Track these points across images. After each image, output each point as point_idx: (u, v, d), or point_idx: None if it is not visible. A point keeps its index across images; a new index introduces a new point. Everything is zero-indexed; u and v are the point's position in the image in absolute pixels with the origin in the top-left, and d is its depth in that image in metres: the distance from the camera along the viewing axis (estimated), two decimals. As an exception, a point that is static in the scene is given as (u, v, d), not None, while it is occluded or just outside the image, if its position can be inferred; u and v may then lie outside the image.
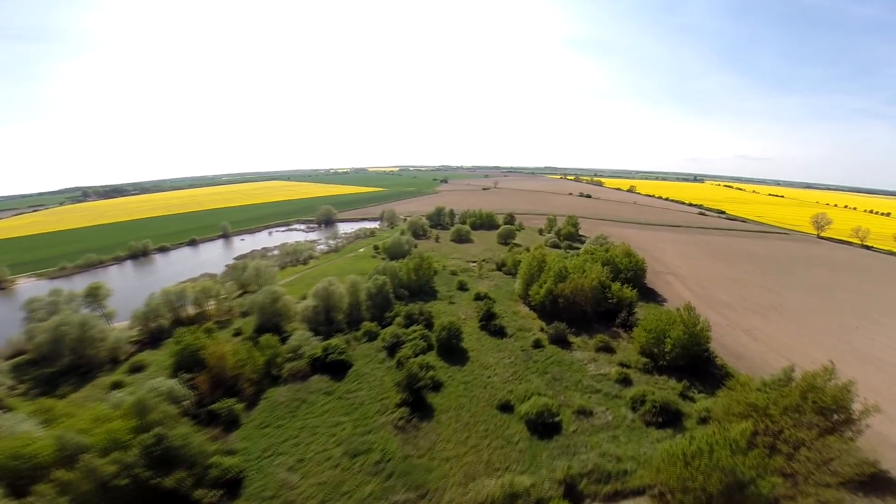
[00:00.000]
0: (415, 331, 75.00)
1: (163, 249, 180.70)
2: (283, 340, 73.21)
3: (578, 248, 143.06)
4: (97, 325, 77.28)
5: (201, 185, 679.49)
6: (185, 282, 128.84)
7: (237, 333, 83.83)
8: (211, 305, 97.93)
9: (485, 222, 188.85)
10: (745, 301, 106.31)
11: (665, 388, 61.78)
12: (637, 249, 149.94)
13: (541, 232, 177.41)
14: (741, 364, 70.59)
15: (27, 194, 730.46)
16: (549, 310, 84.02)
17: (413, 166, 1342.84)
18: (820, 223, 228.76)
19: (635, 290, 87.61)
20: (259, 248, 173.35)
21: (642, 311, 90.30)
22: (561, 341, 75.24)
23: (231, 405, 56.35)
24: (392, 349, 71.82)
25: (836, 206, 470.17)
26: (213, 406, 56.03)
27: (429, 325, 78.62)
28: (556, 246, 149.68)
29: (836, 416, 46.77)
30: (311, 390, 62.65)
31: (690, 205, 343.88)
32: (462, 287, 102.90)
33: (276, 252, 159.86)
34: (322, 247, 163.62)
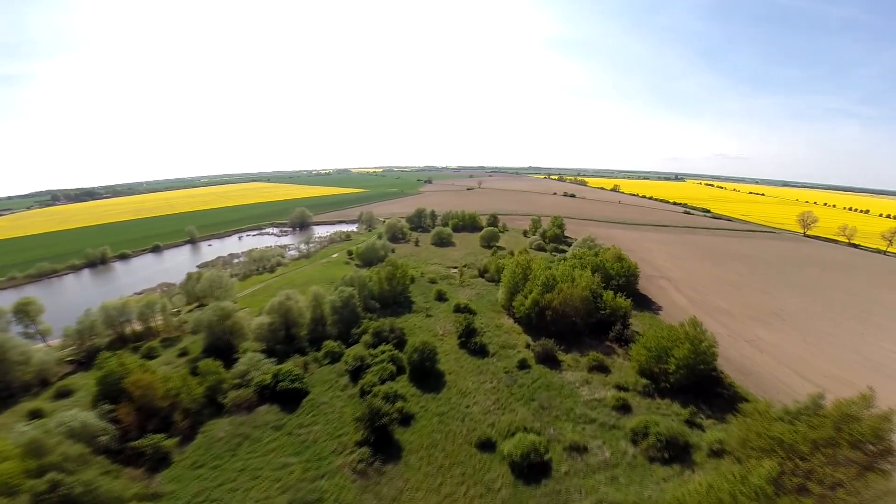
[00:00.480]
0: (383, 351, 65.79)
1: (123, 257, 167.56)
2: (234, 362, 63.65)
3: (565, 252, 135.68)
4: (18, 346, 67.25)
5: (178, 188, 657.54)
6: (141, 292, 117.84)
7: (183, 353, 74.05)
8: (159, 321, 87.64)
9: (467, 224, 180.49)
10: (743, 306, 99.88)
11: (669, 415, 54.00)
12: (625, 251, 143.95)
13: (525, 234, 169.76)
14: (750, 382, 63.34)
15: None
16: (535, 323, 75.71)
17: (397, 167, 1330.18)
18: (806, 221, 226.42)
19: (629, 300, 79.70)
20: (227, 254, 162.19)
21: (637, 322, 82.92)
22: (549, 360, 66.93)
23: (158, 441, 47.73)
24: (356, 373, 62.59)
25: (815, 203, 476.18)
26: (136, 443, 47.52)
27: (401, 344, 69.48)
28: (541, 249, 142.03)
29: (873, 449, 39.30)
30: (257, 424, 53.43)
31: (675, 203, 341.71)
32: (441, 297, 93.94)
33: (242, 258, 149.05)
34: (293, 252, 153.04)
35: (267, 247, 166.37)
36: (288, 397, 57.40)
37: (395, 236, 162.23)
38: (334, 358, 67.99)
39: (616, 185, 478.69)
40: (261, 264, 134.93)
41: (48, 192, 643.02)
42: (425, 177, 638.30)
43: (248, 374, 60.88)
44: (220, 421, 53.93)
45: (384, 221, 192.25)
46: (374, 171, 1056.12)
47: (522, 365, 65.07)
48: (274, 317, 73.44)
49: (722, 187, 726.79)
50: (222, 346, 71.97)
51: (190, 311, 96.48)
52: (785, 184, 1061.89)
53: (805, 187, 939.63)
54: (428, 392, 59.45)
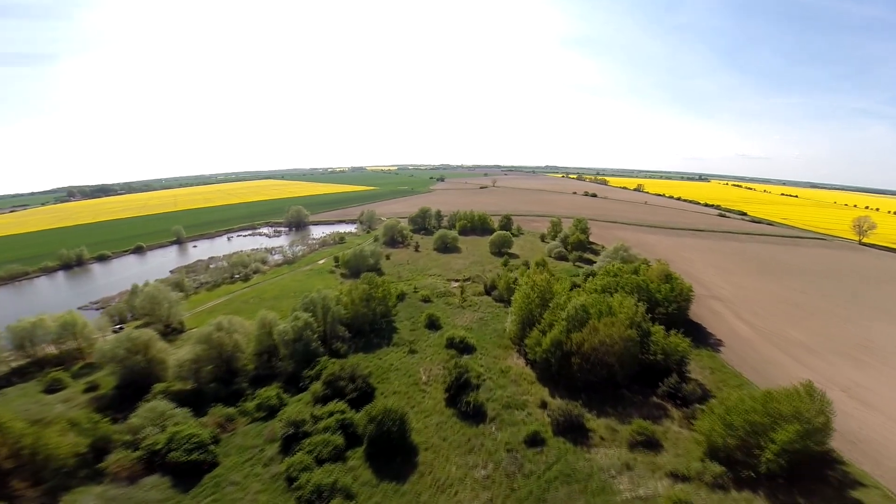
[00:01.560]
0: (332, 412, 46.18)
1: (102, 258, 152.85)
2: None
3: (592, 263, 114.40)
4: None
5: (194, 185, 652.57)
6: (98, 302, 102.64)
7: (91, 388, 57.12)
8: (82, 343, 71.11)
9: (477, 226, 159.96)
10: (821, 338, 77.54)
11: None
12: (662, 261, 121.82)
13: (543, 238, 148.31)
14: (862, 454, 42.96)
15: (19, 194, 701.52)
16: (555, 370, 55.05)
17: (412, 165, 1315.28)
18: (862, 228, 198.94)
19: (687, 338, 58.52)
20: (208, 257, 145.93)
21: (695, 364, 61.66)
22: (574, 429, 46.48)
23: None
24: (290, 442, 43.28)
25: (855, 206, 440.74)
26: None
27: (364, 398, 49.92)
28: (562, 258, 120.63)
29: None
30: (136, 501, 35.76)
31: (706, 205, 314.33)
32: (432, 324, 73.87)
33: (222, 263, 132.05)
34: (276, 257, 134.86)
35: (253, 249, 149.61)
36: (186, 468, 39.06)
37: (394, 239, 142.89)
38: (270, 412, 48.94)
39: (640, 185, 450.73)
40: (235, 271, 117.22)
41: (66, 188, 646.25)
42: (438, 175, 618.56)
43: (142, 432, 42.87)
44: (91, 489, 38.48)
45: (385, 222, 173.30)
46: (389, 170, 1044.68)
47: (534, 440, 44.79)
48: (201, 350, 54.69)
49: (751, 188, 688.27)
50: (141, 382, 54.56)
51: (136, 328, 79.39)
52: (811, 185, 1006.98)
53: (832, 188, 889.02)
54: (388, 480, 39.93)
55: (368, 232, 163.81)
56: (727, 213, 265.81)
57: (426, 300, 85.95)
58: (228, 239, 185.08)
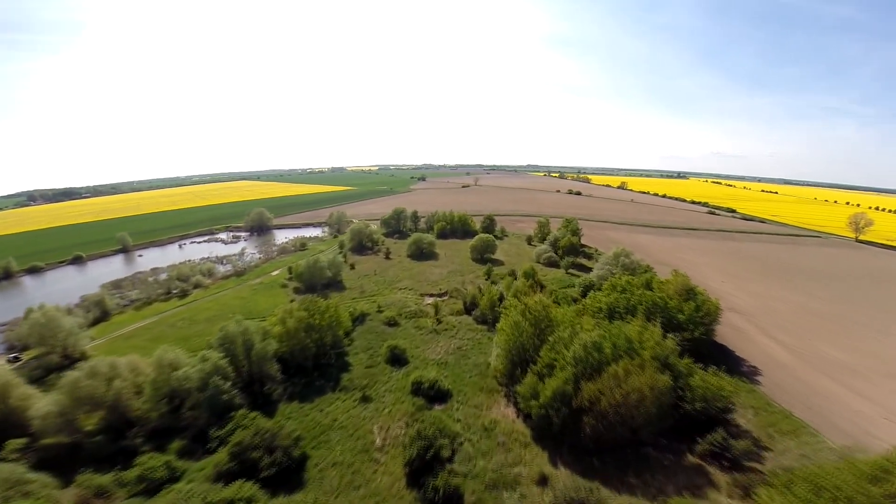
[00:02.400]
0: (232, 502, 30.27)
1: (34, 270, 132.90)
2: None
3: (587, 269, 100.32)
4: None
5: (166, 187, 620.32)
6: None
7: None
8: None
9: (457, 228, 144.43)
10: (865, 356, 65.18)
11: None
12: (660, 264, 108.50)
13: (529, 241, 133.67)
14: None
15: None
16: (558, 430, 39.89)
17: (394, 165, 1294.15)
18: (859, 225, 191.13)
19: (731, 377, 44.26)
20: (150, 268, 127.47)
21: (735, 403, 47.15)
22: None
23: None
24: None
25: (836, 202, 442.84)
26: None
27: (287, 475, 34.01)
28: (552, 264, 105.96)
29: None
30: None
31: (693, 202, 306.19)
32: (396, 358, 57.88)
33: (164, 275, 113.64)
34: (226, 267, 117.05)
35: (203, 259, 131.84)
36: None
37: (362, 245, 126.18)
38: (156, 486, 32.92)
39: (623, 182, 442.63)
40: (174, 285, 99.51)
41: (28, 192, 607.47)
42: (419, 174, 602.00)
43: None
44: None
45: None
46: (370, 170, 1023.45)
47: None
48: (65, 402, 38.16)
49: (731, 185, 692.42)
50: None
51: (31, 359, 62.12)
52: (785, 181, 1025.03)
53: (806, 185, 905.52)
54: None
55: (336, 236, 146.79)
56: (716, 211, 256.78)
57: (391, 323, 69.95)
58: (180, 246, 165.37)
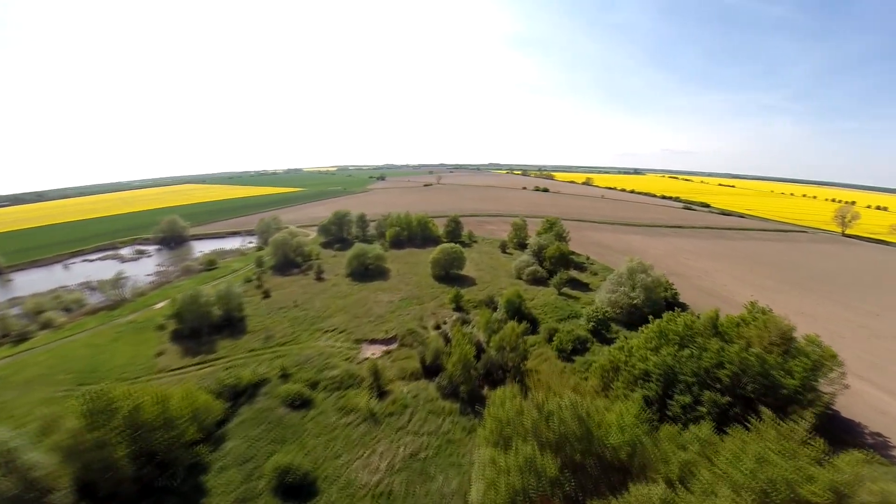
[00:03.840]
0: None
1: None
2: None
3: (584, 287, 75.86)
4: None
5: (106, 192, 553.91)
6: None
7: None
8: None
9: (416, 234, 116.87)
10: None
11: None
12: (673, 275, 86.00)
13: (504, 248, 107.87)
14: None
15: None
16: None
17: (354, 165, 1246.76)
18: (845, 219, 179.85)
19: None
20: (9, 297, 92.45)
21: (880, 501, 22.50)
22: None
23: None
24: None
25: (792, 195, 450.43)
26: None
27: None
28: (538, 281, 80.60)
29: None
30: None
31: (664, 197, 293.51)
32: (292, 490, 29.97)
33: (16, 310, 79.92)
34: (97, 298, 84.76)
35: (83, 282, 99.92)
36: None
37: (289, 261, 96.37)
38: None
39: (589, 178, 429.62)
40: (12, 326, 67.48)
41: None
42: (378, 174, 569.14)
43: None
44: None
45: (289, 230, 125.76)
46: (328, 170, 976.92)
47: None
48: None
49: (689, 180, 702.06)
50: None
51: None
52: (731, 176, 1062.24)
53: (752, 179, 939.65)
54: None
55: (262, 248, 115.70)
56: (692, 206, 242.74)
57: (300, 403, 41.77)
58: (65, 267, 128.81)
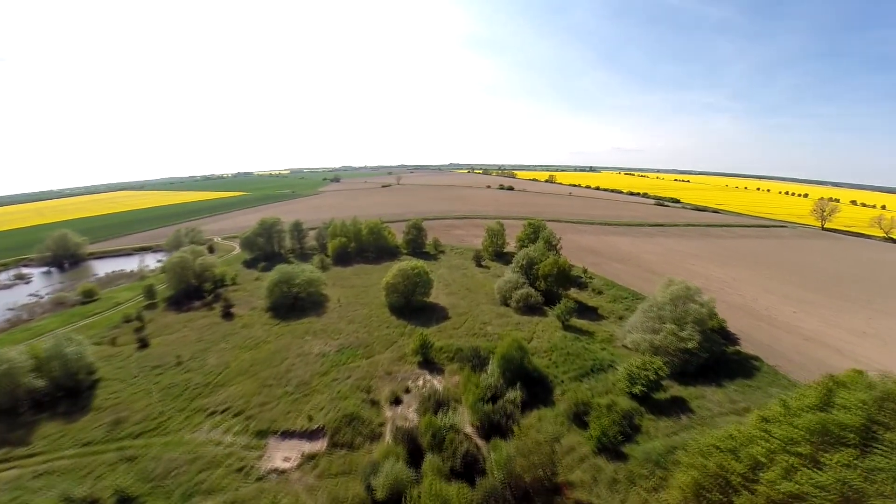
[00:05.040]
0: None
1: None
2: None
3: (592, 314, 55.75)
4: None
5: (27, 201, 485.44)
6: None
7: None
8: None
9: (367, 245, 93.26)
10: None
11: None
12: (669, 277, 68.13)
13: (479, 261, 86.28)
14: None
15: None
16: None
17: (309, 168, 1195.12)
18: (824, 212, 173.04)
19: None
20: None
21: None
22: None
23: None
24: None
25: (746, 189, 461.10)
26: None
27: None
28: (532, 309, 59.76)
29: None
30: None
31: (631, 194, 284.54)
32: None
33: None
34: None
35: None
36: None
37: (191, 289, 70.62)
38: None
39: (552, 176, 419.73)
40: None
41: None
42: (333, 175, 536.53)
43: None
44: None
45: (216, 242, 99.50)
46: (281, 173, 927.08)
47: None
48: None
49: (645, 175, 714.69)
50: None
51: None
52: (679, 171, 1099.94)
53: (700, 174, 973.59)
54: None
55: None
56: (665, 202, 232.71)
57: None
58: None
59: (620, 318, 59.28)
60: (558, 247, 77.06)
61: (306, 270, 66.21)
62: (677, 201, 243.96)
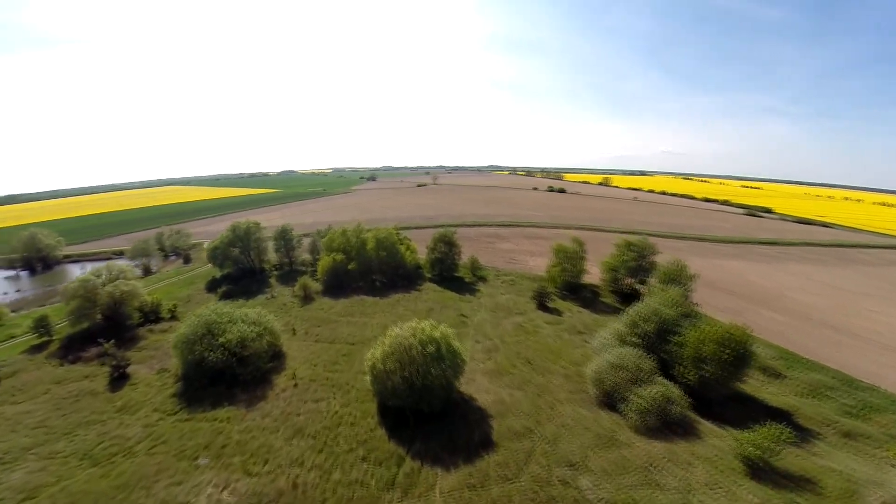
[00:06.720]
0: None
1: None
2: None
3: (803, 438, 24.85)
4: None
5: (86, 193, 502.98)
6: None
7: None
8: None
9: (370, 262, 64.29)
10: None
11: None
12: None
13: (543, 299, 54.87)
14: None
15: None
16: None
17: (350, 167, 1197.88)
18: None
19: None
20: None
21: None
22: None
23: None
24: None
25: (830, 198, 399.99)
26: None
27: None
28: (668, 424, 28.93)
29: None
30: None
31: (707, 200, 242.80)
32: None
33: None
34: None
35: None
36: None
37: (101, 328, 44.80)
38: None
39: (607, 178, 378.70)
40: None
41: None
42: (370, 174, 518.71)
43: None
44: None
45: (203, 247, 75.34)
46: (323, 172, 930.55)
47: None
48: None
49: (705, 181, 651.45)
50: None
51: None
52: (729, 177, 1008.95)
53: (753, 180, 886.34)
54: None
55: (141, 277, 64.77)
56: (757, 212, 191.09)
57: None
58: None
59: (846, 434, 28.75)
60: (690, 289, 45.08)
61: (249, 316, 38.61)
62: (769, 211, 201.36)
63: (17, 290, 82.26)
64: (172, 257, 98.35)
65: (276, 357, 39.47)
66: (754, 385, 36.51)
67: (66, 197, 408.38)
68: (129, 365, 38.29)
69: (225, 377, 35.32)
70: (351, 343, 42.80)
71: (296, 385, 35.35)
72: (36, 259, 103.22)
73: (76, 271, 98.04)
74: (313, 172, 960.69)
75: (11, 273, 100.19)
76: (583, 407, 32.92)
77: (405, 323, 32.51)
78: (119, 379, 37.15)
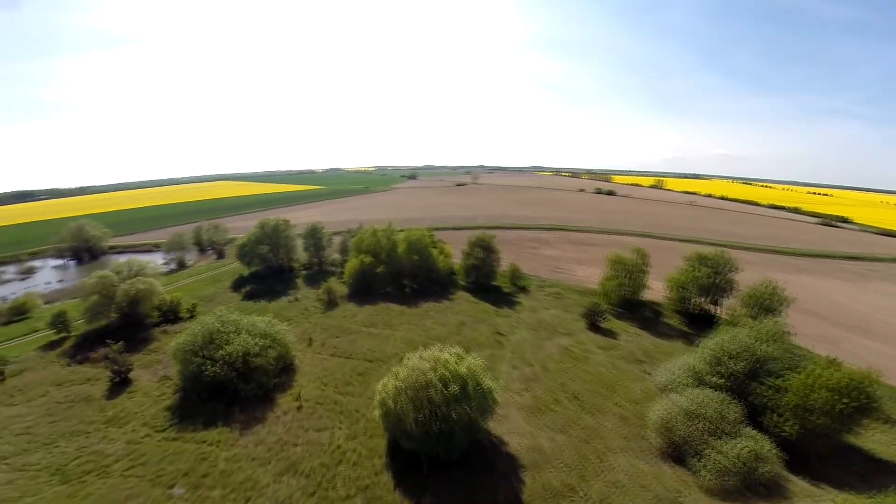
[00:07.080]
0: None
1: None
2: None
3: None
4: None
5: (146, 187, 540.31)
6: None
7: None
8: None
9: (406, 267, 59.63)
10: None
11: None
12: None
13: (595, 318, 47.49)
14: None
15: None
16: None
17: (392, 166, 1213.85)
18: None
19: None
20: None
21: None
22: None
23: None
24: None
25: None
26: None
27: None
28: (754, 486, 21.93)
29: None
30: None
31: (772, 206, 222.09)
32: None
33: None
34: None
35: None
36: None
37: (118, 326, 42.77)
38: None
39: (660, 181, 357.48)
40: None
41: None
42: (410, 173, 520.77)
43: None
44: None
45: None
46: (367, 170, 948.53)
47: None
48: None
49: (769, 186, 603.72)
50: None
51: None
52: (794, 183, 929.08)
53: (818, 186, 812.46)
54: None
55: (175, 271, 64.27)
56: (834, 222, 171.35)
57: None
58: None
59: None
60: (784, 316, 36.91)
61: (258, 326, 34.65)
62: (847, 220, 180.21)
63: (60, 280, 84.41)
64: (209, 251, 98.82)
65: (285, 371, 35.38)
66: (858, 431, 28.30)
67: (129, 190, 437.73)
68: (130, 370, 35.42)
69: (226, 392, 31.49)
70: (369, 360, 37.93)
71: (300, 408, 30.86)
72: (83, 249, 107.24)
73: (118, 261, 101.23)
74: (357, 170, 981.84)
75: (60, 262, 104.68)
76: (641, 459, 26.24)
77: (426, 350, 26.99)
78: (120, 384, 34.43)
